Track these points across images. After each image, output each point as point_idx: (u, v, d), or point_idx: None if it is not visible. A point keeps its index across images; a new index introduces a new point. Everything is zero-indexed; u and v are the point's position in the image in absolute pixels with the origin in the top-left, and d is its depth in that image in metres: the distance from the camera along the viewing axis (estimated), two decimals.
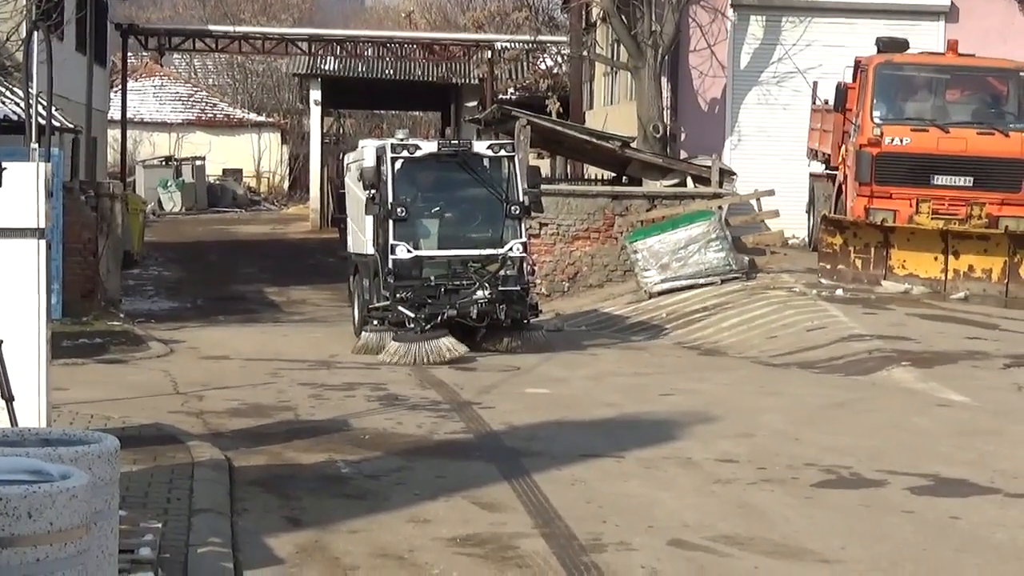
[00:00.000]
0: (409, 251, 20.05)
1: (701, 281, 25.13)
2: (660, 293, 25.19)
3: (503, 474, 11.85)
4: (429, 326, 19.55)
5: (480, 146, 21.04)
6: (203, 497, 10.29)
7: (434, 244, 20.53)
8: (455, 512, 10.50)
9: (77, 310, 22.63)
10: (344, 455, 12.53)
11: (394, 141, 20.61)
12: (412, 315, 19.68)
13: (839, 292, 23.49)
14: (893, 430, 14.19)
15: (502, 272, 20.19)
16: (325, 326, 24.60)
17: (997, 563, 9.42)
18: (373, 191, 20.18)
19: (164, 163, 62.59)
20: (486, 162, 20.67)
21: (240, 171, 68.33)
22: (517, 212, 20.40)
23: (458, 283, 20.00)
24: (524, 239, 20.65)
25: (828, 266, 24.46)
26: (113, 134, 48.27)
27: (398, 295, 19.85)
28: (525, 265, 20.67)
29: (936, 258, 23.95)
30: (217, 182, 65.58)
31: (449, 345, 19.23)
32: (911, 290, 23.69)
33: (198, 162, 63.46)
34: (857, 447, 13.18)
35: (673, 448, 13.07)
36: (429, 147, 20.83)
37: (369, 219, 20.70)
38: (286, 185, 70.66)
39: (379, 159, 20.36)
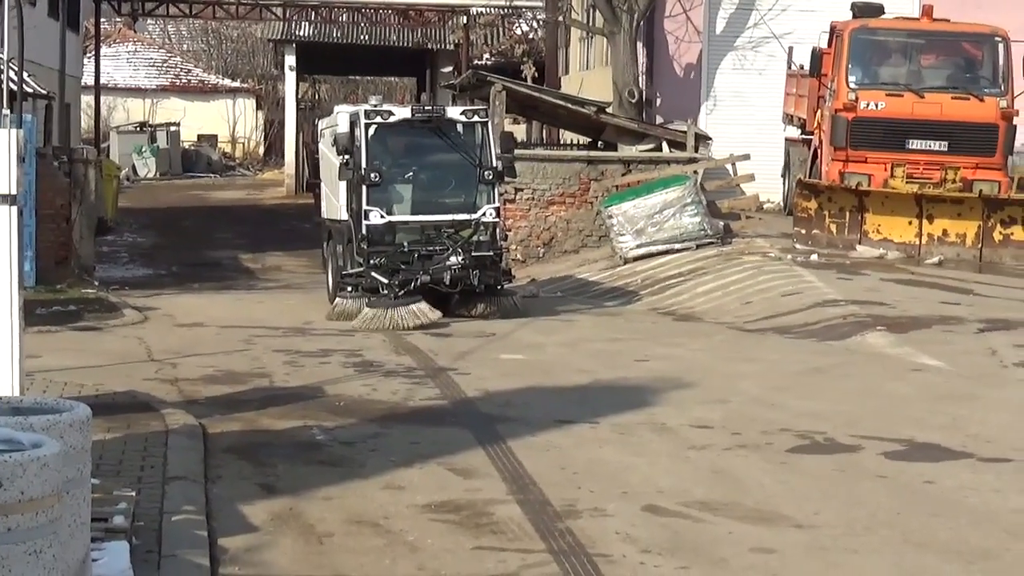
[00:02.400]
0: (383, 217, 20.04)
1: (676, 246, 25.13)
2: (635, 258, 25.18)
3: (478, 440, 11.86)
4: (403, 292, 19.57)
5: (454, 112, 21.03)
6: (177, 465, 10.26)
7: (408, 210, 20.48)
8: (430, 479, 10.50)
9: (51, 277, 22.54)
10: (319, 422, 12.52)
11: (368, 107, 20.60)
12: (386, 281, 19.70)
13: (814, 257, 23.52)
14: (867, 395, 14.23)
15: (475, 238, 20.19)
16: (300, 292, 24.58)
17: (969, 527, 9.46)
18: (347, 157, 20.14)
19: (138, 129, 62.34)
20: (460, 128, 20.63)
21: (215, 137, 68.11)
22: (490, 177, 20.37)
23: (431, 249, 20.01)
24: (497, 204, 20.66)
25: (803, 231, 24.49)
26: (87, 100, 48.07)
27: (372, 261, 19.88)
28: (498, 230, 20.67)
29: (910, 222, 24.02)
30: (192, 148, 65.35)
31: (423, 311, 19.25)
32: (886, 255, 23.74)
33: (172, 128, 63.21)
34: (832, 412, 13.21)
35: (648, 414, 13.09)
36: (403, 113, 20.75)
37: (343, 185, 20.66)
38: (261, 151, 70.46)
39: (353, 125, 20.31)
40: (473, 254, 19.99)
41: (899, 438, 12.12)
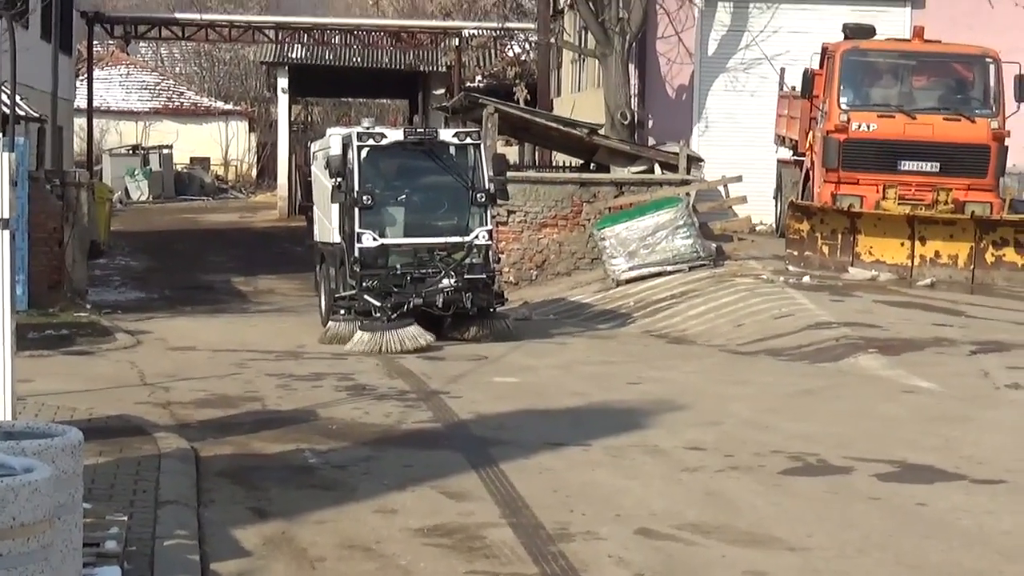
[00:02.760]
0: (375, 239, 19.96)
1: (669, 268, 25.14)
2: (628, 281, 25.19)
3: (471, 463, 11.85)
4: (396, 315, 19.50)
5: (446, 134, 20.98)
6: (169, 489, 10.25)
7: (400, 232, 20.40)
8: (423, 502, 10.49)
9: (43, 301, 22.53)
10: (311, 445, 12.51)
11: (360, 129, 20.53)
12: (378, 304, 19.63)
13: (806, 279, 23.53)
14: (860, 417, 14.23)
15: (468, 260, 20.12)
16: (292, 316, 24.55)
17: (962, 549, 9.46)
18: (339, 179, 20.13)
19: (131, 152, 62.32)
20: (452, 150, 20.64)
21: (207, 159, 68.08)
22: (483, 200, 20.30)
23: (424, 271, 19.96)
24: (490, 227, 20.57)
25: (795, 253, 24.50)
26: (79, 123, 48.04)
27: (364, 284, 19.80)
28: (491, 253, 20.58)
29: (903, 244, 24.04)
30: (184, 170, 65.34)
31: (416, 334, 19.20)
32: (878, 277, 23.75)
33: (165, 150, 63.20)
34: (824, 434, 13.21)
35: (640, 436, 13.08)
36: (395, 135, 20.64)
37: (335, 207, 20.67)
38: (254, 173, 70.45)
39: (345, 147, 20.28)
40: (466, 276, 19.93)
41: (892, 460, 12.12)
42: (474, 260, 20.21)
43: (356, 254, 19.95)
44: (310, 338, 20.43)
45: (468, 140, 20.73)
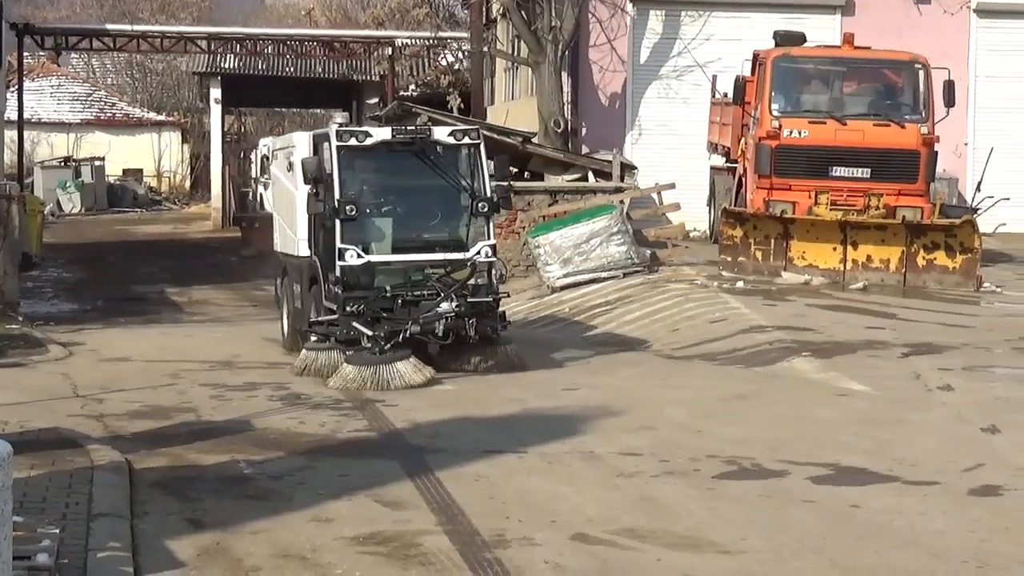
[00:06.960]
0: (360, 256, 17.14)
1: (603, 275, 25.18)
2: (562, 287, 25.22)
3: (406, 472, 11.84)
4: (389, 345, 16.90)
5: (441, 133, 17.90)
6: (102, 501, 10.19)
7: (388, 248, 17.58)
8: (358, 511, 10.47)
9: None
10: (246, 455, 12.47)
11: (339, 127, 17.75)
12: (370, 333, 16.91)
13: (740, 284, 23.63)
14: (794, 421, 14.30)
15: (472, 281, 17.45)
16: (227, 326, 24.45)
17: (896, 549, 9.53)
18: (315, 186, 17.39)
19: (63, 164, 61.90)
20: (447, 152, 17.88)
21: (141, 171, 67.73)
22: (485, 209, 17.50)
23: (418, 294, 17.22)
24: (493, 241, 17.72)
25: (729, 258, 24.60)
26: (10, 135, 47.61)
27: (348, 308, 17.03)
28: (495, 271, 17.88)
29: (835, 249, 24.16)
30: (117, 182, 64.93)
31: (415, 367, 16.65)
32: (811, 281, 23.88)
33: (97, 162, 62.81)
34: (758, 438, 13.28)
35: (576, 443, 13.11)
36: (381, 134, 17.60)
37: (300, 214, 18.36)
38: (187, 184, 70.15)
39: (318, 148, 17.70)
40: (469, 300, 17.25)
41: (825, 463, 12.19)
42: (479, 280, 17.51)
43: (338, 273, 17.09)
44: (245, 348, 20.31)
45: (466, 139, 17.73)
